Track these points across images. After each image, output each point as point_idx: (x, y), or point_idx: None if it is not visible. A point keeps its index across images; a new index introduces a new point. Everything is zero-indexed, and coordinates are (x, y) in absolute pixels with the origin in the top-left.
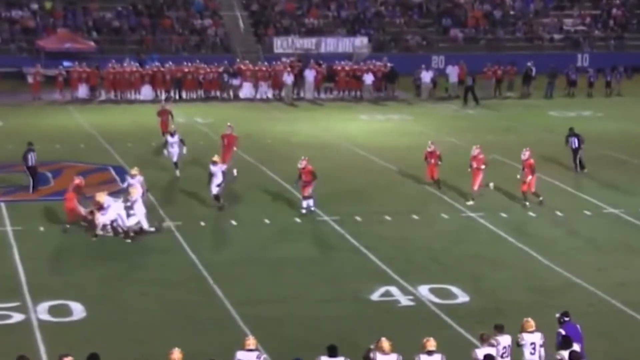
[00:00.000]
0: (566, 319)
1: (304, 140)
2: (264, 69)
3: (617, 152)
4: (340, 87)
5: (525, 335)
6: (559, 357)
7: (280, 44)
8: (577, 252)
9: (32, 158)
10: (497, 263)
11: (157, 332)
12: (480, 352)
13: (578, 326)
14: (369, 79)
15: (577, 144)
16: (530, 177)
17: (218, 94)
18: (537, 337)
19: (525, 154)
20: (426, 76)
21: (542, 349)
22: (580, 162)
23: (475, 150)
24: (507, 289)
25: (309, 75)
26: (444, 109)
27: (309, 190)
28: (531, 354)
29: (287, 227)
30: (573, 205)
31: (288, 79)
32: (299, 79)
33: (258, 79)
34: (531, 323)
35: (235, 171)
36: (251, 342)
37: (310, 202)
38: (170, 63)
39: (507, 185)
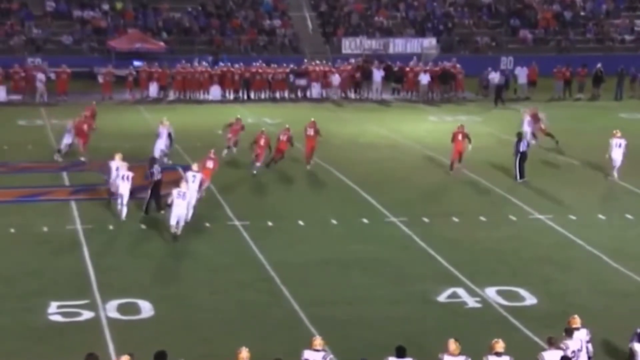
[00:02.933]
0: None
1: (371, 141)
2: (332, 69)
3: None
4: (408, 88)
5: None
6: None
7: (348, 45)
8: None
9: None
10: (566, 266)
11: (225, 332)
12: (548, 355)
13: None
14: (425, 79)
15: (524, 148)
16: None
17: (286, 94)
18: (583, 334)
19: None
20: (495, 78)
21: (590, 345)
22: (522, 169)
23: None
24: (576, 293)
25: (377, 75)
26: (512, 111)
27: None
28: (578, 350)
29: (354, 228)
30: None
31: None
32: (365, 79)
33: (324, 78)
34: (577, 320)
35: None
36: (318, 342)
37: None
38: (241, 64)
39: (575, 187)
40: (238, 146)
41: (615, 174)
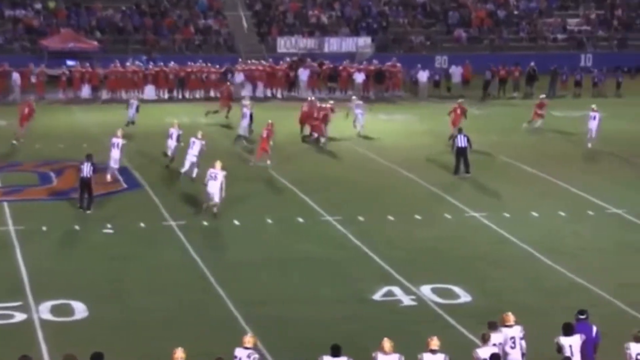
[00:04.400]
0: (581, 317)
1: (302, 143)
2: (267, 68)
3: (621, 152)
4: (342, 86)
5: (504, 329)
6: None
7: (283, 44)
8: (581, 252)
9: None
10: (501, 263)
11: (161, 332)
12: (482, 351)
13: (594, 327)
14: (360, 78)
15: (465, 143)
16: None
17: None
18: (517, 331)
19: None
20: (423, 76)
21: (523, 342)
22: (466, 164)
23: None
24: (510, 290)
25: (303, 74)
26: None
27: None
28: (512, 347)
29: (290, 227)
30: (576, 205)
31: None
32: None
33: (258, 78)
34: (510, 317)
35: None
36: (248, 340)
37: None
38: (172, 62)
39: (509, 185)
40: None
41: (589, 144)
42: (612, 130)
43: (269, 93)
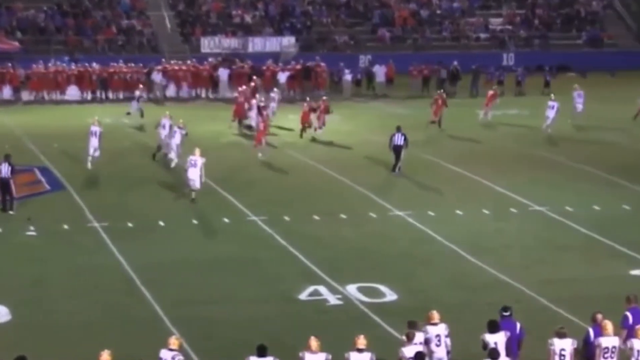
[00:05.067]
0: (505, 313)
1: (233, 140)
2: (191, 68)
3: (544, 151)
4: (266, 87)
5: (429, 327)
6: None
7: (207, 44)
8: (504, 249)
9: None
10: (426, 261)
11: (86, 334)
12: (407, 350)
13: (518, 323)
14: (283, 77)
15: (401, 142)
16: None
17: (144, 94)
18: (442, 329)
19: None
20: (347, 75)
21: (448, 339)
22: (397, 162)
23: None
24: (436, 287)
25: (223, 74)
26: (372, 109)
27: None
28: (437, 345)
29: (216, 227)
30: (499, 203)
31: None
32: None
33: (182, 79)
34: (435, 315)
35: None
36: (173, 341)
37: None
38: (94, 64)
39: (433, 183)
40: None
41: (549, 130)
42: (535, 128)
43: (193, 93)
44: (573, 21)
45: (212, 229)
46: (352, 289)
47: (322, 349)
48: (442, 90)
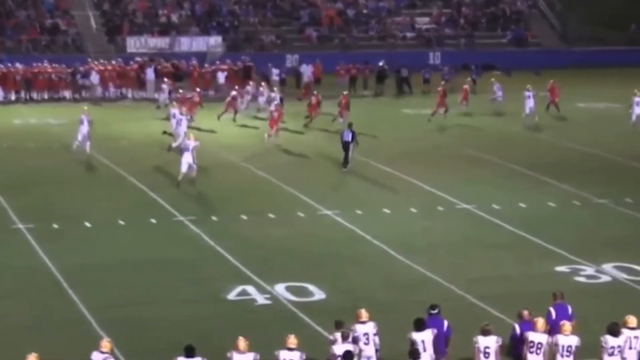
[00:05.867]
0: (432, 312)
1: (161, 141)
2: (117, 68)
3: (472, 149)
4: (192, 86)
5: (357, 326)
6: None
7: (133, 44)
8: (432, 248)
9: None
10: (355, 260)
11: (13, 337)
12: (337, 348)
13: (446, 321)
14: (222, 77)
15: (349, 138)
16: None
17: (68, 94)
18: (370, 327)
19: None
20: (274, 74)
21: (377, 338)
22: (346, 158)
23: None
24: (364, 286)
25: (150, 74)
26: (300, 107)
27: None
28: (365, 344)
29: (143, 228)
30: (427, 202)
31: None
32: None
33: (108, 79)
34: (363, 314)
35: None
36: (104, 344)
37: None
38: (18, 64)
39: (361, 183)
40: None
41: (535, 118)
42: (462, 127)
43: (119, 93)
44: (498, 20)
45: (139, 229)
46: (280, 289)
47: (251, 348)
48: (443, 82)
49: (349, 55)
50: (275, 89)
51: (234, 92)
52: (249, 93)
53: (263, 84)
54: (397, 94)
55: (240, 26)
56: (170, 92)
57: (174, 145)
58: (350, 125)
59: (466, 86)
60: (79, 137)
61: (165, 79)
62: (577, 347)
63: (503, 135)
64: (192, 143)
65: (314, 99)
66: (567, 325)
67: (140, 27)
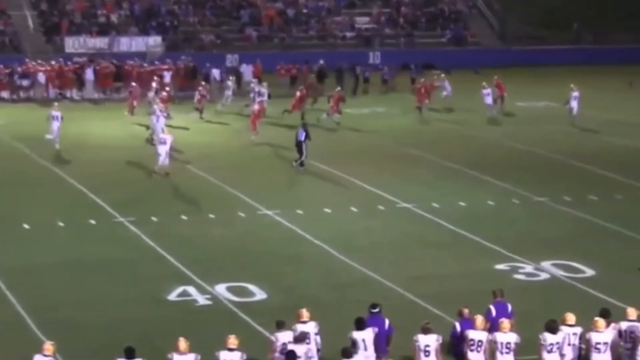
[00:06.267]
0: (373, 310)
1: (101, 141)
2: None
3: (413, 148)
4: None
5: (298, 326)
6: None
7: (72, 44)
8: (373, 247)
9: None
10: (295, 260)
11: None
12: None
13: (387, 320)
14: (168, 77)
15: (302, 137)
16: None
17: (6, 95)
18: (311, 327)
19: None
20: (215, 74)
21: (318, 337)
22: (302, 155)
23: None
24: (305, 285)
25: (89, 74)
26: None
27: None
28: (307, 343)
29: (82, 229)
30: (367, 201)
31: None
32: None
33: (48, 79)
34: (304, 313)
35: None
36: (47, 347)
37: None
38: None
39: (302, 182)
40: None
41: (495, 112)
42: (403, 126)
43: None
44: (437, 20)
45: (79, 231)
46: (221, 289)
47: (192, 349)
48: (423, 80)
49: (289, 55)
50: (264, 84)
51: (201, 89)
52: (229, 88)
53: (254, 80)
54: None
55: (180, 26)
56: (156, 92)
57: (151, 137)
58: (304, 125)
59: (422, 85)
60: (52, 133)
61: (155, 77)
62: (516, 344)
63: (443, 134)
64: (168, 137)
65: (298, 93)
66: (505, 323)
67: (79, 27)
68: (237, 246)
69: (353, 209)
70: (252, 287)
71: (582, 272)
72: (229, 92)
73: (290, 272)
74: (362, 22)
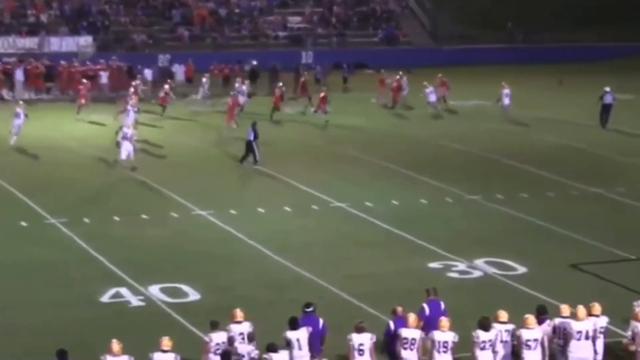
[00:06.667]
0: (307, 310)
1: (29, 142)
2: None
3: (347, 148)
4: (62, 87)
5: (233, 326)
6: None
7: (1, 44)
8: (307, 246)
9: None
10: (229, 260)
11: None
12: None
13: (321, 319)
14: (104, 77)
15: (251, 137)
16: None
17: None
18: (246, 327)
19: None
20: (148, 74)
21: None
22: (253, 155)
23: None
24: (239, 286)
25: (18, 75)
26: (172, 108)
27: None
28: (241, 343)
29: (13, 231)
30: (301, 201)
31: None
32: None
33: None
34: (238, 313)
35: None
36: None
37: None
38: None
39: (235, 182)
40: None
41: (438, 106)
42: (336, 126)
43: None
44: (369, 19)
45: (9, 233)
46: (154, 290)
47: (125, 351)
48: (400, 74)
49: (222, 55)
50: (247, 82)
51: (166, 87)
52: (204, 85)
53: (239, 79)
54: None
55: (111, 26)
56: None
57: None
58: (254, 124)
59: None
60: (15, 130)
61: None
62: (454, 342)
63: (376, 133)
64: (130, 132)
65: (277, 92)
66: (444, 321)
67: (8, 27)
68: (171, 247)
69: (287, 208)
70: (185, 287)
71: (515, 269)
72: (204, 89)
73: (224, 273)
74: (294, 21)
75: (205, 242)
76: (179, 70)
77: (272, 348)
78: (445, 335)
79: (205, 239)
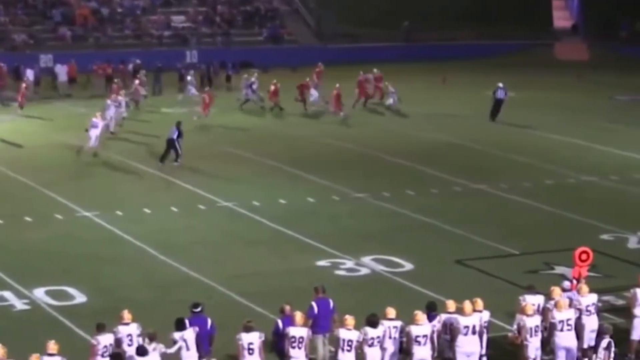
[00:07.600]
0: (195, 310)
1: None
2: None
3: (233, 147)
4: None
5: (120, 327)
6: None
7: None
8: (194, 246)
9: None
10: (115, 262)
11: None
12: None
13: (209, 319)
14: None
15: (173, 135)
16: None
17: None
18: (133, 328)
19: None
20: (30, 74)
21: (140, 339)
22: (169, 154)
23: None
24: (126, 287)
25: None
26: (56, 109)
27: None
28: (129, 345)
29: None
30: (187, 201)
31: None
32: None
33: None
34: (126, 315)
35: None
36: None
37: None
38: None
39: (121, 183)
40: None
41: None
42: (222, 125)
43: None
44: (254, 18)
45: None
46: (39, 293)
47: (9, 356)
48: (379, 73)
49: (105, 55)
50: (122, 92)
51: (136, 81)
52: (192, 83)
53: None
54: (154, 92)
55: None
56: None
57: (112, 130)
58: (178, 124)
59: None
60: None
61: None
62: (357, 341)
63: (263, 132)
64: (100, 122)
65: (272, 87)
66: (349, 320)
67: None
68: (55, 249)
69: (173, 208)
70: (71, 290)
71: (402, 266)
72: (191, 87)
73: (110, 274)
74: (178, 21)
75: (91, 243)
76: (61, 71)
77: (142, 352)
78: (350, 333)
79: (90, 240)
